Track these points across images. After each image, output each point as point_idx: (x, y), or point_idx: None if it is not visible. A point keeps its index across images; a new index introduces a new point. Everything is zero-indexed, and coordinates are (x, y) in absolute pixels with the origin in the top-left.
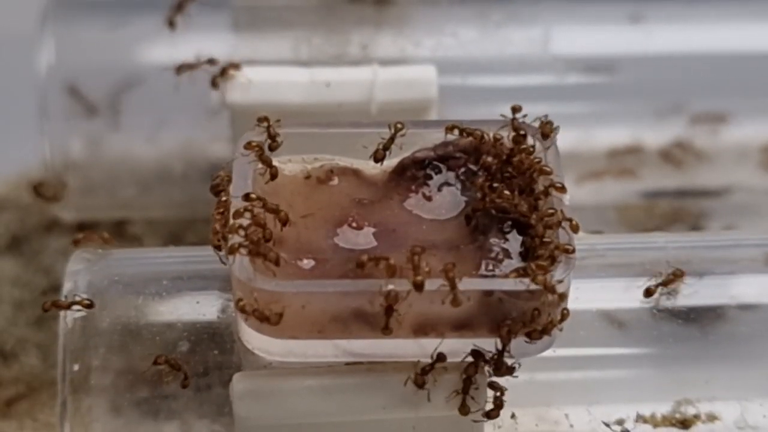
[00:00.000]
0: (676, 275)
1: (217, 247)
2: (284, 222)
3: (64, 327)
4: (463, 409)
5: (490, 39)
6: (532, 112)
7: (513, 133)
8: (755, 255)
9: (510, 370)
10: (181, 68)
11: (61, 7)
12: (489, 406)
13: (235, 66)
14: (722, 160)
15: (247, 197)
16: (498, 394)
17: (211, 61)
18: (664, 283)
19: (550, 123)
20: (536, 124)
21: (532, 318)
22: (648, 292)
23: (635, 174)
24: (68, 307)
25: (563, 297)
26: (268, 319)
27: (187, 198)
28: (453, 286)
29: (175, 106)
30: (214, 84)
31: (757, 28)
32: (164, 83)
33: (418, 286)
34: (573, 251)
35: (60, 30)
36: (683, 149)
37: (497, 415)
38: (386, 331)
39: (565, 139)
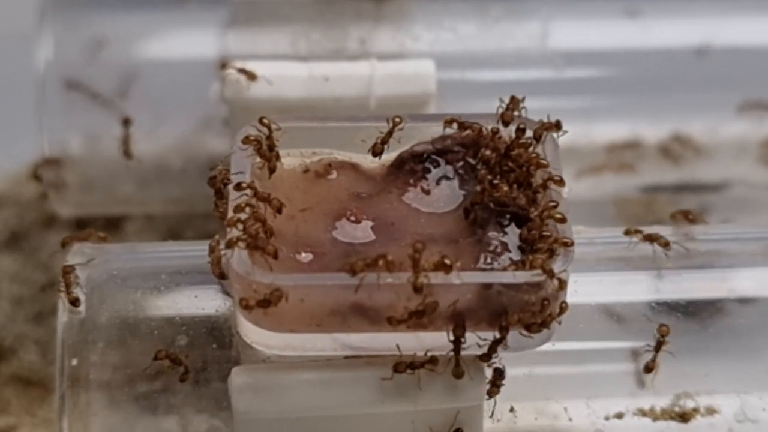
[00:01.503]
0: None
1: (221, 277)
2: (278, 209)
3: (63, 322)
4: (456, 371)
5: (489, 33)
6: (531, 107)
7: (501, 121)
8: (754, 248)
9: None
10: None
11: (59, 3)
12: None
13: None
14: (721, 155)
15: (238, 187)
16: None
17: (127, 121)
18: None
19: (543, 126)
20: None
21: (542, 308)
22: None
23: (634, 169)
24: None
25: (563, 284)
26: (269, 302)
27: (185, 194)
28: (416, 268)
29: (174, 102)
30: (223, 66)
31: (754, 22)
32: (162, 79)
33: (418, 289)
34: (571, 244)
35: (58, 26)
36: (682, 144)
37: None
38: (458, 372)
39: (565, 133)
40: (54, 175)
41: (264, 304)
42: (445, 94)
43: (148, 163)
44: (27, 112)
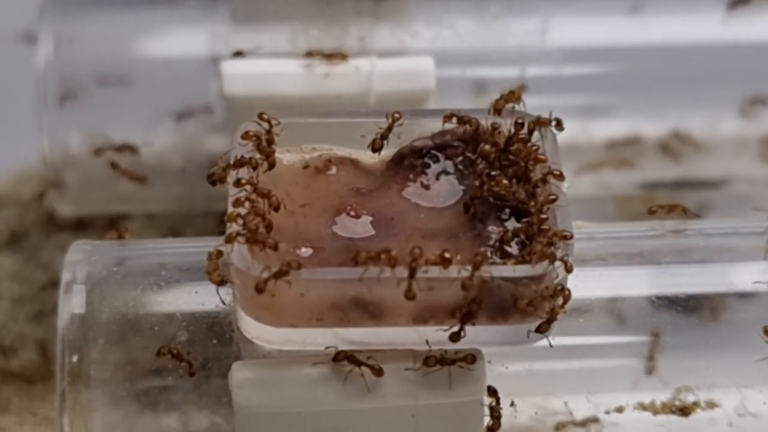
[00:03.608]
0: None
1: (220, 283)
2: (276, 207)
3: (63, 318)
4: (455, 337)
5: (488, 30)
6: (530, 104)
7: (494, 112)
8: (754, 243)
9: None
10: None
11: (59, 1)
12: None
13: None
14: (721, 152)
15: (238, 183)
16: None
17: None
18: None
19: (539, 121)
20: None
21: (554, 293)
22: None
23: (633, 165)
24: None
25: (570, 267)
26: (290, 268)
27: (185, 192)
28: (412, 275)
29: (173, 100)
30: (308, 54)
31: (755, 18)
32: (162, 76)
33: (410, 298)
34: (571, 237)
35: (58, 25)
36: (681, 140)
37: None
38: (456, 337)
39: (563, 131)
40: (131, 161)
41: (281, 274)
42: (444, 91)
43: (147, 162)
44: (27, 112)
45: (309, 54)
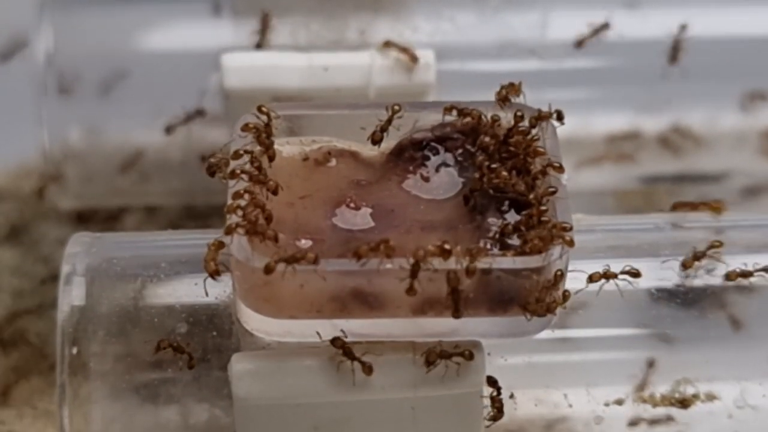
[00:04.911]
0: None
1: (215, 273)
2: (273, 191)
3: (63, 311)
4: (456, 314)
5: (488, 24)
6: (530, 98)
7: (499, 99)
8: (754, 236)
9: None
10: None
11: None
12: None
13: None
14: (720, 146)
15: (233, 174)
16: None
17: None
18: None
19: (540, 115)
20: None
21: (555, 281)
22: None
23: (633, 159)
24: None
25: (571, 243)
26: (301, 257)
27: (185, 185)
28: (414, 275)
29: (173, 93)
30: (386, 44)
31: (755, 12)
32: (162, 70)
33: (412, 295)
34: (570, 229)
35: (58, 18)
36: (681, 135)
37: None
38: (457, 314)
39: (563, 125)
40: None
41: (293, 260)
42: (444, 84)
43: (147, 156)
44: (27, 105)
45: (386, 44)
